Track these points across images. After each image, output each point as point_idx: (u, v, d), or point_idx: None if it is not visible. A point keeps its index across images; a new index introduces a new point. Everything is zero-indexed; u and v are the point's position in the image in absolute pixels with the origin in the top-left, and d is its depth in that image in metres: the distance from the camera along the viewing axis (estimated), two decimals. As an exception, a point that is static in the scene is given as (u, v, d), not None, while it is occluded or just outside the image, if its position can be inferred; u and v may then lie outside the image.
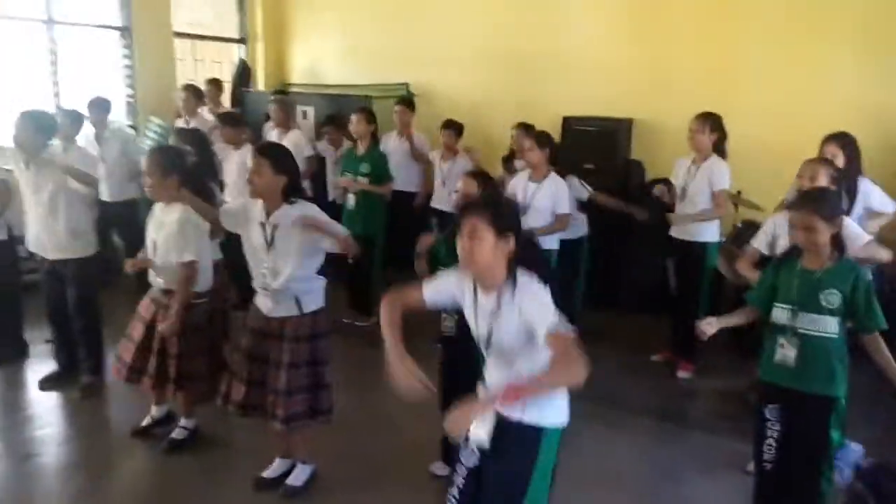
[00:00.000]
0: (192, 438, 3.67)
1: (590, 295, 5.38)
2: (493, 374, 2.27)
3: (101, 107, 5.79)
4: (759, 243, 3.55)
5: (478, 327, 2.23)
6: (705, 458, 3.73)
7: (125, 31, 7.20)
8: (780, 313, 2.72)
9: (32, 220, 4.10)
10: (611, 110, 6.13)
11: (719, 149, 4.52)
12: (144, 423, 3.76)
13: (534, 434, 2.17)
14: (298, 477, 3.29)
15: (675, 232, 4.69)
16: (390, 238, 5.64)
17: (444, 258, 3.02)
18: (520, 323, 2.10)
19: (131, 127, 7.04)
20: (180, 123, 6.23)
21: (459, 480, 2.29)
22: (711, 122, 4.48)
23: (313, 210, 3.04)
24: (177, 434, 3.66)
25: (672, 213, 4.69)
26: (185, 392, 3.56)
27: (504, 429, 2.17)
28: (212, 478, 3.43)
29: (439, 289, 2.32)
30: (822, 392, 2.66)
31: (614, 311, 5.78)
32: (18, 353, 4.67)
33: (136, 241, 4.26)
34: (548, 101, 6.49)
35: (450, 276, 2.32)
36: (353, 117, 5.42)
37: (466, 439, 2.26)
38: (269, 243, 3.00)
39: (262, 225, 3.01)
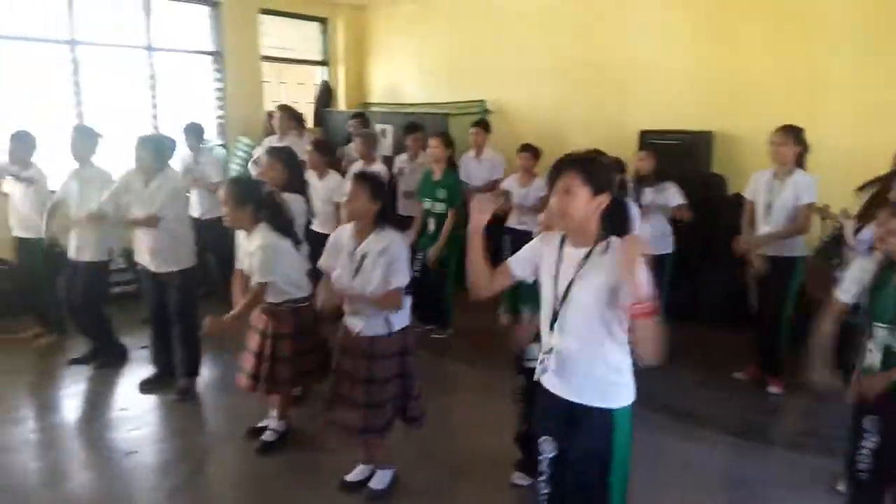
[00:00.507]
0: (283, 440, 3.84)
1: (669, 308, 5.30)
2: (559, 339, 2.25)
3: (196, 132, 6.19)
4: (847, 294, 2.83)
5: (556, 285, 2.23)
6: (790, 475, 3.61)
7: (217, 55, 7.62)
8: (880, 332, 2.64)
9: (141, 235, 4.37)
10: (690, 123, 6.05)
11: (801, 162, 4.41)
12: (261, 423, 3.94)
13: (606, 415, 2.21)
14: (381, 481, 3.38)
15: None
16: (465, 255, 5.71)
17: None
18: (606, 280, 2.11)
19: (221, 146, 7.42)
20: (273, 141, 6.52)
21: (545, 468, 2.33)
22: (794, 134, 4.37)
23: (396, 245, 3.11)
24: (268, 436, 3.83)
25: (740, 232, 4.59)
26: (295, 387, 3.77)
27: (576, 414, 2.22)
28: (299, 479, 3.56)
29: (522, 257, 2.38)
30: None
31: (694, 325, 5.67)
32: (121, 358, 4.99)
33: (227, 257, 4.51)
34: (625, 115, 6.48)
35: (532, 243, 2.37)
36: (431, 142, 5.51)
37: (544, 431, 2.32)
38: (357, 271, 3.12)
39: (352, 253, 3.14)
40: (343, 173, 5.58)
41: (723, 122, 6.05)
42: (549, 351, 2.28)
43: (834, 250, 4.43)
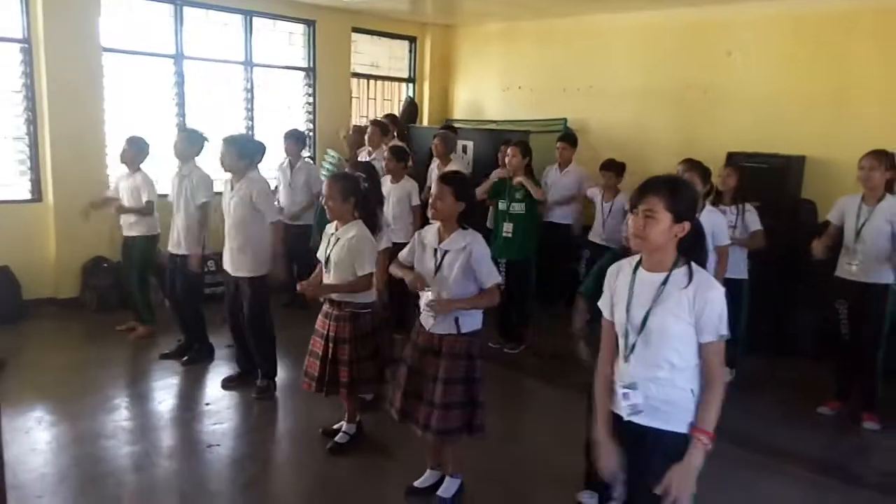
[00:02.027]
0: (353, 443, 3.95)
1: (750, 338, 5.13)
2: (635, 370, 2.21)
3: (298, 139, 6.47)
4: None
5: (630, 310, 2.20)
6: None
7: (310, 71, 7.95)
8: None
9: (225, 239, 4.59)
10: (781, 146, 5.88)
11: (892, 187, 4.25)
12: (336, 425, 4.07)
13: (680, 439, 2.16)
14: (448, 489, 3.42)
15: (846, 273, 4.40)
16: (541, 267, 5.76)
17: (589, 290, 3.06)
18: (690, 310, 2.11)
19: (310, 158, 7.72)
20: (363, 155, 6.74)
21: (616, 492, 2.28)
22: (887, 159, 4.22)
23: (480, 245, 3.19)
24: (339, 438, 3.95)
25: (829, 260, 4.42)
26: (353, 396, 3.86)
27: (651, 439, 2.19)
28: (368, 481, 3.67)
29: (606, 300, 2.33)
30: None
31: (779, 357, 5.46)
32: (208, 355, 5.25)
33: (307, 263, 4.67)
34: (711, 135, 6.35)
35: (606, 282, 2.35)
36: (509, 150, 5.58)
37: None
38: (437, 268, 3.20)
39: (435, 251, 3.23)
40: (424, 183, 5.73)
41: (817, 146, 5.85)
42: (628, 382, 2.23)
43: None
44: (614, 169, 6.00)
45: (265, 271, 4.57)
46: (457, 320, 3.21)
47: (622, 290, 2.26)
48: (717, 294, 2.13)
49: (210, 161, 5.10)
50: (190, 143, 5.03)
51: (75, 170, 6.12)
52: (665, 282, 2.15)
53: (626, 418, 2.24)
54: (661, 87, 6.89)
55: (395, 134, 7.31)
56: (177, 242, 5.03)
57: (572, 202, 6.43)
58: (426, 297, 3.23)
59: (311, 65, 7.92)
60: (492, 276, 3.19)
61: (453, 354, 3.22)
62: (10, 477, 3.08)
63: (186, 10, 6.87)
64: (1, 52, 5.98)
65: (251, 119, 7.51)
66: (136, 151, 5.42)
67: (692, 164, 5.35)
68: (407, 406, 3.31)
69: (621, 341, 2.26)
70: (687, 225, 2.14)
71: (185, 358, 5.15)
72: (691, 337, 2.13)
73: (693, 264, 2.17)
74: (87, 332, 5.85)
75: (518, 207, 5.49)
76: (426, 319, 3.29)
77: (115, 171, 6.43)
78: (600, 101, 7.37)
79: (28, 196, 6.23)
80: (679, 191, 2.17)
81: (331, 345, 3.74)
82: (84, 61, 6.17)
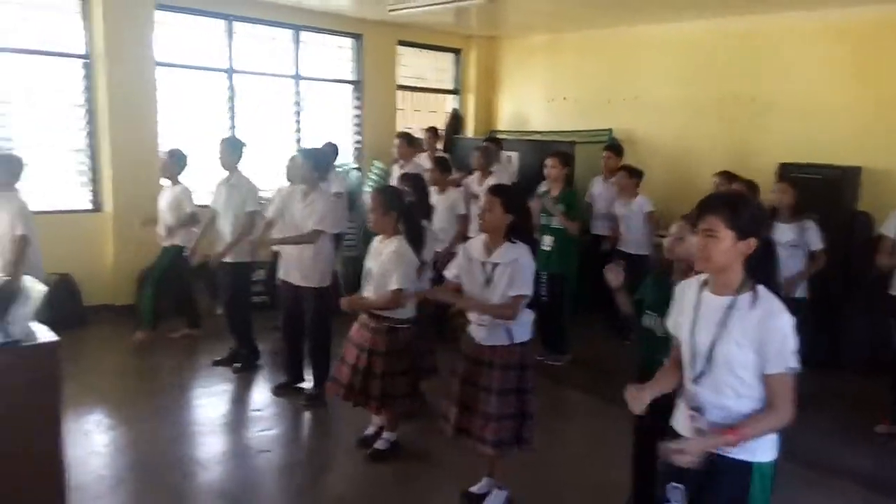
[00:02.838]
0: (395, 450, 3.99)
1: (807, 355, 5.01)
2: (703, 394, 2.15)
3: (331, 151, 6.57)
4: None
5: (695, 334, 2.14)
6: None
7: (357, 84, 8.08)
8: None
9: (286, 251, 4.67)
10: (835, 157, 5.75)
11: None
12: (368, 431, 4.13)
13: (745, 469, 2.11)
14: (494, 502, 3.43)
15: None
16: (582, 280, 5.73)
17: (651, 302, 3.02)
18: (754, 338, 2.03)
19: (357, 169, 7.83)
20: (396, 168, 6.84)
21: None
22: None
23: (527, 258, 3.20)
24: (380, 445, 3.99)
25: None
26: (387, 408, 3.89)
27: (713, 464, 2.12)
28: (409, 487, 3.71)
29: (676, 320, 2.28)
30: None
31: (836, 374, 5.31)
32: (254, 362, 5.34)
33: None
34: (762, 146, 6.26)
35: (675, 300, 2.29)
36: (548, 161, 5.54)
37: (670, 476, 2.21)
38: (488, 280, 3.21)
39: (483, 264, 3.23)
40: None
41: (874, 158, 5.70)
42: (695, 405, 2.18)
43: None
44: (628, 170, 5.99)
45: (328, 282, 4.65)
46: (509, 330, 3.22)
47: (686, 309, 2.21)
48: (784, 322, 2.02)
49: (254, 169, 5.23)
50: (232, 150, 5.13)
51: (132, 181, 6.33)
52: (731, 305, 2.07)
53: (674, 425, 2.22)
54: (709, 97, 6.81)
55: (439, 146, 7.37)
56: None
57: (643, 233, 6.17)
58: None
59: (358, 78, 8.06)
60: (520, 289, 3.15)
61: (506, 365, 3.22)
62: (72, 478, 3.18)
63: (237, 25, 7.06)
64: (64, 67, 6.24)
65: (299, 131, 7.67)
66: (176, 163, 5.57)
67: (729, 177, 5.30)
68: (462, 421, 3.31)
69: (687, 364, 2.20)
70: (753, 241, 2.04)
71: (237, 365, 5.25)
72: (753, 364, 2.04)
73: (760, 288, 2.07)
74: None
75: (557, 221, 5.45)
76: (476, 331, 3.30)
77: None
78: (646, 112, 7.31)
79: (88, 206, 6.48)
80: (740, 206, 2.08)
81: (364, 356, 3.77)
82: (140, 76, 6.38)
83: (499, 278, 3.18)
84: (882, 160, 5.63)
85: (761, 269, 2.10)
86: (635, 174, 6.03)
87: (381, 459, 3.93)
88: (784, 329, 2.02)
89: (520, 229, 3.26)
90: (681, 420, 2.24)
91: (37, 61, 6.11)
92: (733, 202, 2.11)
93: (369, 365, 3.76)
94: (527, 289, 3.18)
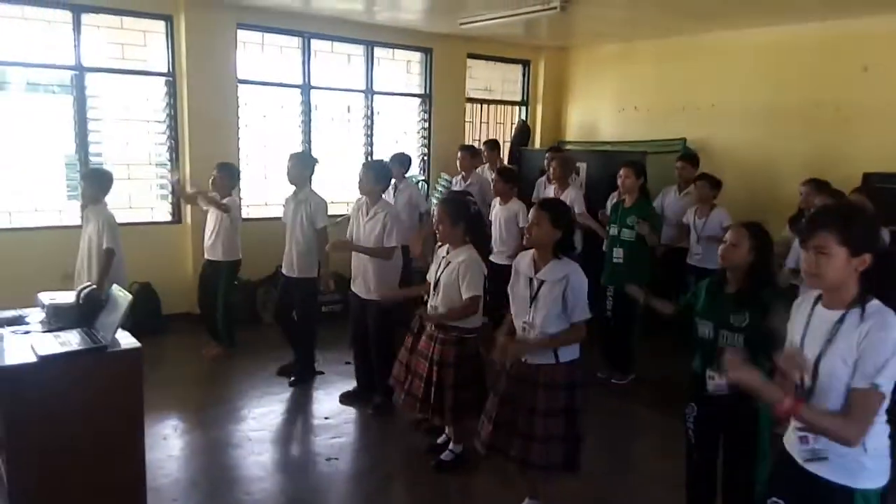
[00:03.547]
0: (459, 462, 3.99)
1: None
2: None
3: (402, 162, 6.65)
4: None
5: (804, 348, 2.07)
6: None
7: (426, 97, 8.19)
8: None
9: (355, 263, 4.74)
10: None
11: None
12: (439, 440, 4.16)
13: (846, 495, 2.01)
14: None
15: None
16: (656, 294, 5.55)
17: (703, 310, 2.95)
18: (855, 351, 1.93)
19: (425, 181, 7.91)
20: (458, 180, 6.86)
21: None
22: None
23: (578, 276, 3.14)
24: (446, 456, 4.01)
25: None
26: (456, 421, 3.88)
27: (811, 490, 2.05)
28: (471, 500, 3.72)
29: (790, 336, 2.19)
30: None
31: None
32: (309, 378, 5.34)
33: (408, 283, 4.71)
34: (844, 156, 5.99)
35: (792, 315, 2.19)
36: (622, 171, 5.41)
37: (775, 495, 2.16)
38: (533, 297, 3.16)
39: (530, 280, 3.19)
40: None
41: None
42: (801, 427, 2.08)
43: None
44: (708, 180, 5.78)
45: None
46: (555, 350, 3.16)
47: (797, 321, 2.13)
48: (888, 336, 1.90)
49: (327, 184, 5.31)
50: (303, 166, 5.19)
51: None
52: (841, 320, 1.99)
53: (801, 463, 2.09)
54: (789, 105, 6.57)
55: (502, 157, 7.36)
56: (290, 265, 5.18)
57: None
58: (522, 327, 3.21)
59: (428, 91, 8.16)
60: (583, 313, 3.12)
61: (552, 384, 3.15)
62: (150, 480, 3.31)
63: (314, 42, 7.26)
64: (149, 85, 6.57)
65: (371, 144, 7.81)
66: (227, 178, 5.65)
67: (819, 185, 5.06)
68: (497, 439, 3.26)
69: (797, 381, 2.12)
70: (868, 257, 1.95)
71: (293, 379, 5.28)
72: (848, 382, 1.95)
73: (873, 302, 1.96)
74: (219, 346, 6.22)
75: (629, 234, 5.29)
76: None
77: (248, 196, 6.88)
78: (723, 121, 7.11)
79: (169, 218, 6.77)
80: (853, 221, 1.99)
81: (435, 367, 3.77)
82: (221, 93, 6.65)
83: (543, 296, 3.12)
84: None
85: (878, 284, 1.99)
86: (716, 184, 5.82)
87: (445, 471, 3.94)
88: (885, 343, 1.90)
89: (567, 245, 3.21)
90: (791, 441, 2.15)
91: (124, 80, 6.44)
92: (845, 216, 2.02)
93: (440, 377, 3.76)
94: (586, 313, 3.14)
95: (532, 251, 3.25)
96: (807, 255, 2.00)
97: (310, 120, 7.34)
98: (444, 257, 3.87)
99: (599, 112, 8.61)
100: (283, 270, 5.30)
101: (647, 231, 5.21)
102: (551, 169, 6.22)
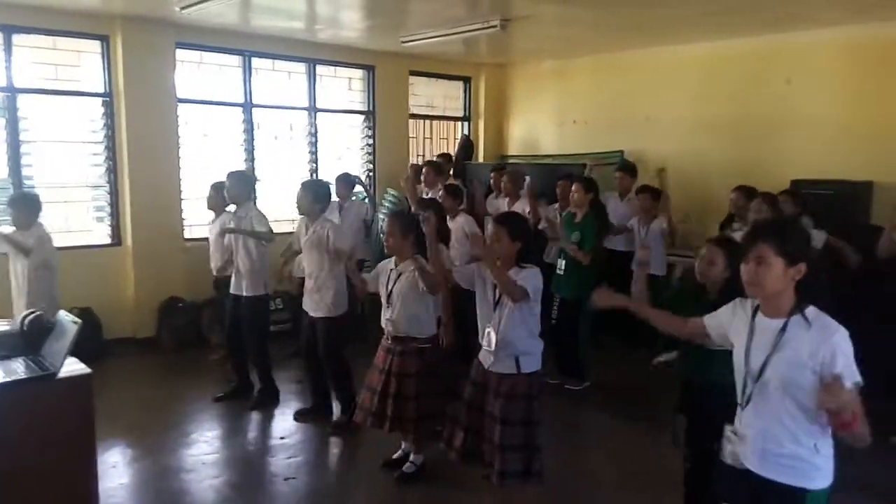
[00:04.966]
0: (421, 473, 4.00)
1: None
2: (751, 419, 2.18)
3: (347, 181, 6.65)
4: None
5: (749, 359, 2.18)
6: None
7: (370, 114, 8.22)
8: None
9: (306, 277, 4.71)
10: (847, 173, 5.79)
11: None
12: (396, 455, 4.16)
13: (798, 497, 2.11)
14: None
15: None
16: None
17: (669, 300, 3.08)
18: (808, 359, 2.03)
19: (370, 197, 7.91)
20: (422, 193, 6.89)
21: None
22: None
23: (533, 279, 3.20)
24: (408, 468, 4.01)
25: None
26: (420, 431, 3.90)
27: (762, 493, 2.14)
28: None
29: (718, 319, 2.36)
30: None
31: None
32: (273, 400, 5.23)
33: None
34: (773, 164, 6.31)
35: (726, 307, 2.34)
36: (573, 186, 5.59)
37: (728, 499, 2.25)
38: (497, 302, 3.24)
39: (494, 286, 3.27)
40: (479, 217, 5.81)
41: (886, 172, 5.73)
42: (738, 430, 2.22)
43: None
44: (650, 191, 6.05)
45: (342, 311, 4.65)
46: (517, 360, 3.22)
47: (740, 331, 2.23)
48: (841, 337, 2.05)
49: (270, 202, 5.29)
50: (243, 184, 5.14)
51: (152, 215, 6.46)
52: (784, 328, 2.10)
53: (728, 463, 2.22)
54: (720, 117, 6.89)
55: (451, 172, 7.45)
56: (238, 284, 5.09)
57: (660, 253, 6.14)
58: (487, 335, 3.27)
59: (371, 108, 8.20)
60: (525, 286, 3.15)
61: (512, 395, 3.21)
62: (103, 509, 3.22)
63: (254, 60, 7.23)
64: (85, 106, 6.40)
65: (315, 162, 7.79)
66: (220, 195, 5.52)
67: (748, 192, 5.33)
68: (469, 445, 3.31)
69: (739, 387, 2.23)
70: (803, 266, 2.08)
71: (256, 400, 5.17)
72: (812, 387, 2.03)
73: (811, 309, 2.10)
74: (164, 370, 6.09)
75: (573, 247, 5.40)
76: (485, 357, 3.33)
77: (191, 217, 6.77)
78: (657, 133, 7.39)
79: (108, 241, 6.58)
80: (788, 232, 2.14)
81: (394, 380, 3.79)
82: (160, 112, 6.54)
83: (506, 302, 3.20)
84: (894, 174, 5.65)
85: (811, 293, 2.12)
86: (657, 196, 6.09)
87: (408, 482, 3.94)
88: (845, 343, 2.04)
89: (530, 254, 3.29)
90: (724, 446, 2.26)
91: (58, 101, 6.26)
92: (782, 229, 2.16)
93: (400, 388, 3.78)
94: (528, 291, 3.17)
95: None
96: (748, 265, 2.11)
97: (252, 138, 7.28)
98: (392, 269, 3.91)
99: (540, 126, 8.83)
100: (232, 290, 5.21)
101: (581, 257, 5.35)
102: (503, 184, 6.40)
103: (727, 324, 2.31)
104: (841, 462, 2.18)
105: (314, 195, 4.63)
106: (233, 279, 5.14)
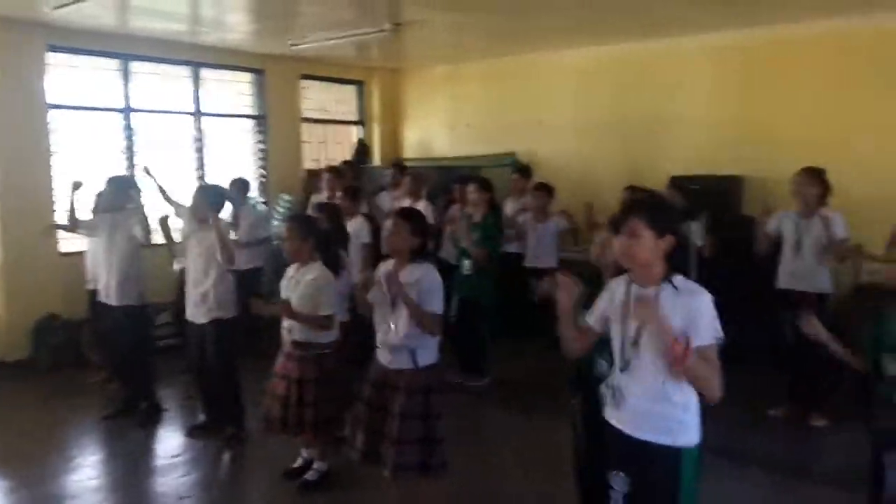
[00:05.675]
0: (325, 480, 3.93)
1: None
2: (628, 382, 2.32)
3: (241, 186, 6.47)
4: None
5: (625, 328, 2.32)
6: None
7: (261, 119, 8.02)
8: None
9: (190, 285, 4.52)
10: (719, 169, 6.22)
11: (823, 202, 4.58)
12: (296, 464, 4.05)
13: (675, 454, 2.25)
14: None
15: (787, 283, 4.71)
16: (505, 301, 5.84)
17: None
18: (684, 318, 2.18)
19: (264, 203, 7.73)
20: (321, 199, 6.77)
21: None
22: (817, 175, 4.58)
23: (431, 275, 3.23)
24: (310, 476, 3.93)
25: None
26: (320, 436, 3.84)
27: (642, 456, 2.27)
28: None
29: (597, 313, 2.46)
30: None
31: (742, 367, 5.63)
32: (156, 415, 5.00)
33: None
34: (656, 163, 6.66)
35: (602, 296, 2.46)
36: (470, 187, 5.67)
37: (614, 468, 2.36)
38: (394, 303, 3.22)
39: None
40: (373, 219, 5.79)
41: (753, 167, 6.19)
42: (618, 390, 2.35)
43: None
44: (544, 189, 6.24)
45: (230, 315, 4.51)
46: (413, 354, 3.21)
47: (617, 304, 2.36)
48: (706, 299, 2.23)
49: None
50: (123, 188, 4.95)
51: (24, 226, 6.01)
52: (656, 295, 2.24)
53: (606, 418, 2.38)
54: (605, 118, 7.21)
55: (352, 177, 7.37)
56: (108, 291, 4.83)
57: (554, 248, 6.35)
58: (384, 332, 3.26)
59: (262, 112, 8.00)
60: (434, 305, 3.17)
61: (411, 390, 3.20)
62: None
63: (133, 63, 6.90)
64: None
65: (202, 167, 7.51)
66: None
67: (634, 191, 5.61)
68: (371, 446, 3.28)
69: (617, 354, 2.37)
70: (671, 239, 2.25)
71: (137, 420, 4.91)
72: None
73: (679, 277, 2.27)
74: (42, 393, 5.62)
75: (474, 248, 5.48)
76: (383, 355, 3.31)
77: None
78: (547, 135, 7.63)
79: (-26, 256, 6.09)
80: (658, 208, 2.36)
81: (293, 386, 3.72)
82: (29, 119, 6.13)
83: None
84: (761, 170, 6.09)
85: (679, 262, 2.31)
86: (551, 192, 6.26)
87: (311, 490, 3.87)
88: (708, 304, 2.22)
89: (425, 251, 3.32)
90: (605, 405, 2.41)
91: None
92: (652, 205, 2.37)
93: (300, 394, 3.71)
94: (439, 305, 3.21)
95: (392, 260, 3.31)
96: (621, 239, 2.28)
97: (132, 145, 6.93)
98: (292, 276, 3.83)
99: (434, 130, 8.91)
100: (102, 299, 4.89)
101: (482, 258, 5.43)
102: (406, 185, 6.44)
103: (606, 307, 2.43)
104: (726, 434, 2.34)
105: (212, 198, 4.47)
106: (101, 287, 4.87)
